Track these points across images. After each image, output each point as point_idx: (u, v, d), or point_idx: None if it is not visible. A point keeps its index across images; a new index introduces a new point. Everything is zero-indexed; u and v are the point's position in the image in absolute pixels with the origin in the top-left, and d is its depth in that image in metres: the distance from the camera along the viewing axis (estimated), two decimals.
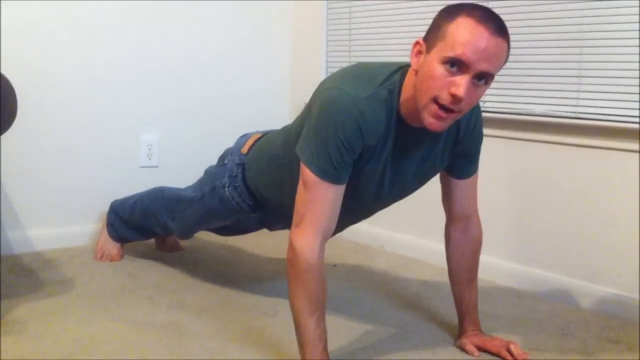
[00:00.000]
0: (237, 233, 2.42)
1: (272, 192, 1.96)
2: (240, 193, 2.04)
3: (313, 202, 1.57)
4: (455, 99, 1.46)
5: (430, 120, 1.51)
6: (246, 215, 2.10)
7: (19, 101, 1.90)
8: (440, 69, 1.47)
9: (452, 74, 1.46)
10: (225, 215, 2.15)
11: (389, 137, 1.60)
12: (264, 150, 1.98)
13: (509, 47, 1.50)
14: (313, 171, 1.56)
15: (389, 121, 1.59)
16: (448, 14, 1.49)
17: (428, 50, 1.50)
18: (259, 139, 2.06)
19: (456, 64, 1.45)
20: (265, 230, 2.33)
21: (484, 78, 1.48)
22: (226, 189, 2.06)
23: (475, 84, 1.48)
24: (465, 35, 1.44)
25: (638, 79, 2.03)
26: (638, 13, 2.01)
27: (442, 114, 1.49)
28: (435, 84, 1.47)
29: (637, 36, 2.02)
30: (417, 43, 1.54)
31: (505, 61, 1.52)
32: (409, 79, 1.57)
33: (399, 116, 1.60)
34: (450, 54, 1.45)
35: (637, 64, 2.03)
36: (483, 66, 1.45)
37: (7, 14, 2.50)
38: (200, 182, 2.20)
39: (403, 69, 1.61)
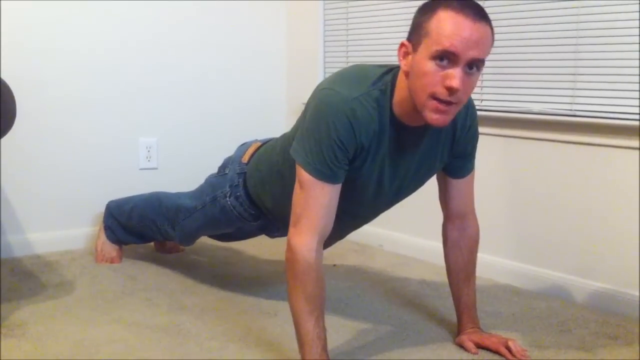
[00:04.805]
0: (237, 239, 2.43)
1: (273, 200, 1.97)
2: (241, 202, 2.05)
3: (309, 203, 1.58)
4: (451, 91, 1.47)
5: (433, 116, 1.52)
6: (247, 223, 2.11)
7: (18, 104, 1.91)
8: (430, 65, 1.48)
9: (444, 68, 1.47)
10: (226, 224, 2.16)
11: (383, 137, 1.61)
12: (264, 159, 1.98)
13: (492, 31, 1.51)
14: (308, 171, 1.57)
15: (381, 121, 1.60)
16: (426, 10, 1.51)
17: (414, 49, 1.51)
18: (258, 147, 2.07)
19: (446, 57, 1.46)
20: (264, 234, 2.33)
21: (475, 65, 1.49)
22: (227, 198, 2.07)
23: (467, 72, 1.49)
24: (448, 27, 1.45)
25: (638, 76, 2.03)
26: (638, 10, 2.02)
27: (443, 107, 1.50)
28: (429, 81, 1.49)
29: (637, 33, 2.02)
30: (402, 45, 1.55)
31: (492, 45, 1.52)
32: (402, 80, 1.58)
33: (394, 117, 1.61)
34: (438, 47, 1.46)
35: (637, 60, 2.03)
36: (472, 53, 1.46)
37: (7, 17, 2.51)
38: (201, 192, 2.20)
39: (395, 69, 1.62)
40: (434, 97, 1.49)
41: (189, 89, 2.98)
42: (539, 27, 2.27)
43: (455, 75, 1.46)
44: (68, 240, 2.70)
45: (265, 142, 2.08)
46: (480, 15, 1.48)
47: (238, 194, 2.04)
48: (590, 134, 2.17)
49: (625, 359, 1.79)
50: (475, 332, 1.84)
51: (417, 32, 1.51)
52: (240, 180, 2.04)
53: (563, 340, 1.89)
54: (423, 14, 1.51)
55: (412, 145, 1.68)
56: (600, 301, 2.15)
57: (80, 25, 2.69)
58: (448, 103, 1.50)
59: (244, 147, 2.14)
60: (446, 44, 1.45)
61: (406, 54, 1.54)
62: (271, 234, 2.24)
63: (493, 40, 1.52)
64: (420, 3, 1.55)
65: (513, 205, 2.41)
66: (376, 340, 1.88)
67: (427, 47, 1.47)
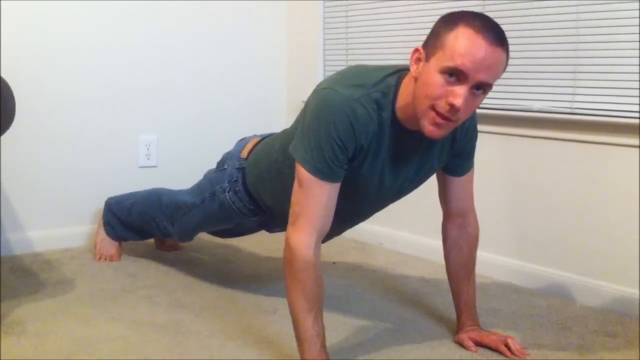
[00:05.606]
0: (236, 235, 2.43)
1: (272, 196, 1.97)
2: (240, 198, 2.04)
3: (308, 201, 1.58)
4: (452, 108, 1.47)
5: (430, 127, 1.52)
6: (247, 219, 2.10)
7: (17, 102, 1.91)
8: (438, 78, 1.47)
9: (451, 84, 1.46)
10: (225, 219, 2.16)
11: (383, 139, 1.61)
12: (264, 155, 1.98)
13: (507, 56, 1.50)
14: (307, 170, 1.57)
15: (381, 122, 1.59)
16: (447, 22, 1.49)
17: (427, 58, 1.50)
18: (258, 142, 2.06)
19: (455, 74, 1.46)
20: (263, 230, 2.33)
21: (482, 88, 1.49)
22: (226, 193, 2.06)
23: (473, 93, 1.48)
24: (464, 45, 1.44)
25: (638, 74, 2.03)
26: (638, 8, 2.02)
27: (440, 120, 1.50)
28: (433, 93, 1.48)
29: (637, 31, 2.02)
30: (416, 50, 1.54)
31: (504, 70, 1.51)
32: (408, 85, 1.58)
33: (396, 120, 1.60)
34: (449, 64, 1.45)
35: (637, 58, 2.03)
36: (481, 76, 1.45)
37: (7, 16, 2.50)
38: (199, 187, 2.20)
39: (400, 72, 1.62)
40: (434, 108, 1.49)
41: (189, 87, 2.98)
42: (539, 25, 2.27)
43: (460, 94, 1.45)
44: (68, 238, 2.70)
45: (264, 137, 2.08)
46: (499, 40, 1.46)
47: (237, 189, 2.04)
48: (590, 131, 2.17)
49: (625, 357, 1.79)
50: (475, 330, 1.84)
51: (433, 41, 1.50)
52: (239, 175, 2.04)
53: (562, 338, 1.89)
54: (443, 25, 1.49)
55: (412, 148, 1.68)
56: (600, 300, 2.15)
57: (80, 24, 2.68)
58: (446, 119, 1.50)
59: (242, 142, 2.13)
60: (458, 61, 1.44)
61: (418, 60, 1.53)
62: (271, 230, 2.24)
63: (506, 66, 1.51)
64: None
65: (513, 203, 2.41)
66: (375, 337, 1.88)
67: (439, 60, 1.46)
